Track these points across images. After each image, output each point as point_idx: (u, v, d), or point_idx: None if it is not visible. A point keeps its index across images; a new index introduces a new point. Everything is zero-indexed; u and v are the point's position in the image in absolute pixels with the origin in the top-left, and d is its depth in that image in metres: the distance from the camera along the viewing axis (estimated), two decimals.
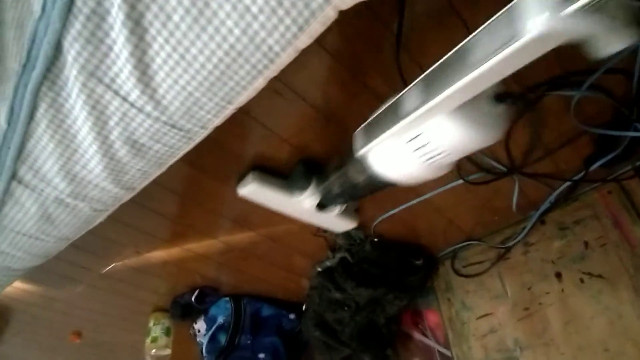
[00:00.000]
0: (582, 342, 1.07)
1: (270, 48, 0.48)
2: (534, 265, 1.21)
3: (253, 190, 0.96)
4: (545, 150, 1.05)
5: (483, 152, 1.03)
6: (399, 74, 0.78)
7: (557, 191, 1.15)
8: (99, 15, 0.46)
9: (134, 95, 0.52)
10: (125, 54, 0.48)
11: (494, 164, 1.06)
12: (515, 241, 1.24)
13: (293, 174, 0.96)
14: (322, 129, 0.93)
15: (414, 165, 0.66)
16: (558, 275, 1.15)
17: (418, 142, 0.62)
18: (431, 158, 0.64)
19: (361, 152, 0.68)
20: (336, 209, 0.99)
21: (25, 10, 0.48)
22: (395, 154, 0.66)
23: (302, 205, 0.96)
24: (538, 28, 0.41)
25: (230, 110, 0.55)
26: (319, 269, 1.36)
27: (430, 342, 1.40)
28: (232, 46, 0.47)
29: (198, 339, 1.58)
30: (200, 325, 1.56)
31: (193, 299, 1.48)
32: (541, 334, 1.15)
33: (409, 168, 0.67)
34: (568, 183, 1.12)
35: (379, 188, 0.80)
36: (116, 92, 0.52)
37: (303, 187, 0.92)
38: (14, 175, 0.63)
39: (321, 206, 0.96)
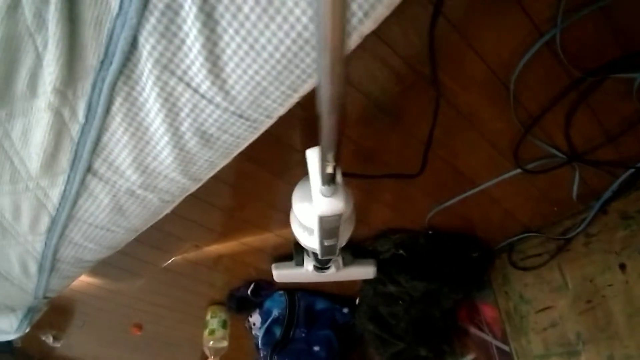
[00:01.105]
0: None
1: None
2: (596, 256, 1.16)
3: (278, 275, 1.31)
4: (607, 136, 1.01)
5: (541, 139, 1.00)
6: None
7: (620, 179, 1.10)
8: (173, 10, 0.49)
9: (204, 87, 0.53)
10: (197, 46, 0.50)
11: (553, 151, 1.02)
12: (575, 232, 1.20)
13: (294, 255, 1.26)
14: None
15: None
16: (622, 267, 1.11)
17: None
18: None
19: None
20: (333, 268, 1.23)
21: (103, 8, 0.50)
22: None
23: (308, 271, 1.25)
24: None
25: (295, 98, 0.56)
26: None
27: (487, 337, 1.38)
28: (299, 34, 0.48)
29: (254, 332, 1.61)
30: (255, 318, 1.60)
31: (249, 292, 1.52)
32: (604, 327, 1.11)
33: None
34: (631, 170, 1.08)
35: None
36: (188, 84, 0.54)
37: (300, 262, 1.22)
38: (89, 168, 0.66)
39: (317, 268, 1.21)
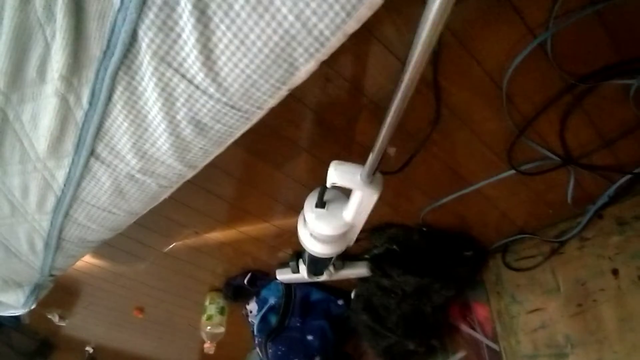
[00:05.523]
0: (637, 341, 1.03)
1: (321, 32, 0.52)
2: (590, 260, 1.18)
3: (281, 277, 1.39)
4: (603, 141, 1.01)
5: (536, 141, 1.02)
6: None
7: (616, 184, 1.11)
8: (169, 6, 0.52)
9: (198, 78, 0.57)
10: (192, 40, 0.53)
11: (548, 154, 1.03)
12: (570, 236, 1.21)
13: (290, 265, 1.34)
14: None
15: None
16: (615, 272, 1.12)
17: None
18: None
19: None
20: (326, 275, 1.30)
21: (106, 3, 0.54)
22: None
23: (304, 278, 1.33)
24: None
25: (284, 91, 0.59)
26: (366, 257, 1.38)
27: (478, 335, 1.40)
28: (286, 31, 0.51)
29: (250, 320, 1.65)
30: (252, 306, 1.64)
31: (245, 281, 1.55)
32: (594, 331, 1.12)
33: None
34: (628, 176, 1.08)
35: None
36: (183, 76, 0.57)
37: (296, 269, 1.29)
38: (92, 152, 0.70)
39: (311, 275, 1.28)
